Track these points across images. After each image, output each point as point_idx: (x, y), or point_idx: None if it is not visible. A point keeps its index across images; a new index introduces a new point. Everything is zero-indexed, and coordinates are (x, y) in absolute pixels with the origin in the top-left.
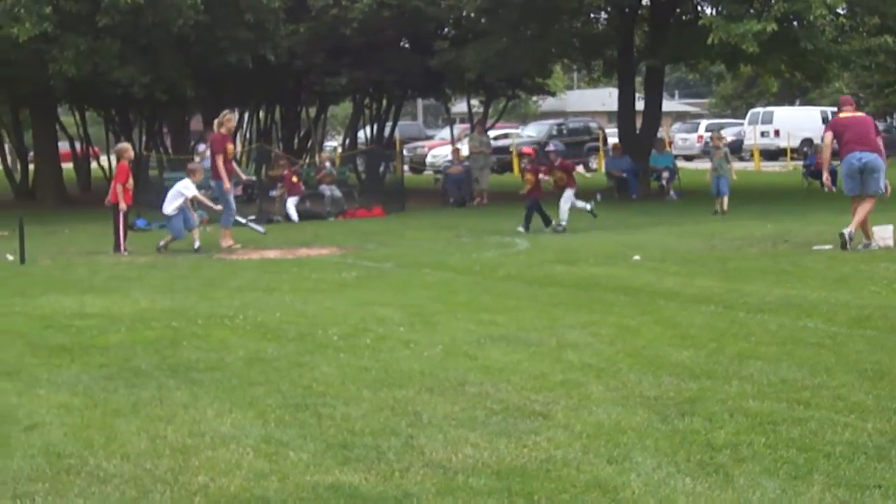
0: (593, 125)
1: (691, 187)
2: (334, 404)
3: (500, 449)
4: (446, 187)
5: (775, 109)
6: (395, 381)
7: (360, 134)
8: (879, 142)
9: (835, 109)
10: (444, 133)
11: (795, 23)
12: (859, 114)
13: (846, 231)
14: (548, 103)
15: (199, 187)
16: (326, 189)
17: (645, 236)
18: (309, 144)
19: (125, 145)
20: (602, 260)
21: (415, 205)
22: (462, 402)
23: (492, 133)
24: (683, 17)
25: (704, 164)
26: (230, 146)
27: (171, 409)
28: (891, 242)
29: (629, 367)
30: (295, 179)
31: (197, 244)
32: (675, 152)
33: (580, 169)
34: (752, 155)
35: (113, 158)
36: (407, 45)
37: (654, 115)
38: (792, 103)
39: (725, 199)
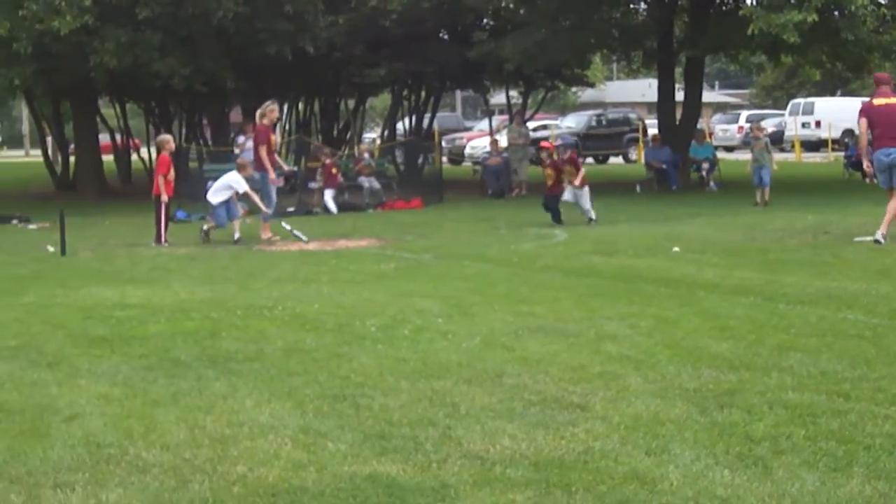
0: (633, 116)
1: (731, 178)
2: (372, 395)
3: (538, 440)
4: (485, 179)
5: (816, 100)
6: (433, 373)
7: (399, 125)
8: None
9: None
10: (483, 124)
11: (836, 13)
12: (893, 100)
13: (879, 237)
14: (587, 94)
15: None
16: (365, 181)
17: (684, 227)
18: (348, 136)
19: (166, 137)
20: (641, 251)
21: (453, 196)
22: (500, 394)
23: (530, 124)
24: (724, 7)
25: (744, 156)
26: (273, 137)
27: (210, 400)
28: None
29: (668, 359)
30: (334, 171)
31: (237, 235)
32: (715, 143)
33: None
34: (793, 146)
35: (154, 150)
36: (446, 37)
37: (694, 105)
38: (833, 94)
39: (767, 191)
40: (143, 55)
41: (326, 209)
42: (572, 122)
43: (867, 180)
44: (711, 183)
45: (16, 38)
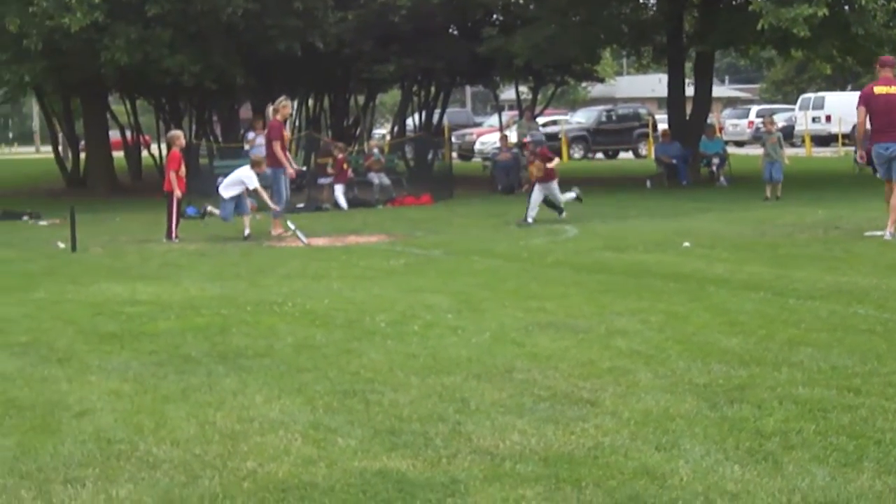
0: (643, 111)
1: (741, 173)
2: (382, 391)
3: (548, 435)
4: (495, 174)
5: (826, 95)
6: (443, 368)
7: (409, 121)
8: None
9: None
10: (493, 120)
11: (846, 7)
12: (893, 89)
13: (888, 236)
14: (597, 89)
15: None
16: (375, 177)
17: (695, 223)
18: (357, 132)
19: (176, 132)
20: (651, 247)
21: (463, 192)
22: (509, 389)
23: (540, 120)
24: (733, 2)
25: (755, 151)
26: (286, 133)
27: (220, 396)
28: None
29: (678, 354)
30: (345, 166)
31: (247, 231)
32: (725, 138)
33: (556, 161)
34: (803, 140)
35: (164, 147)
36: (455, 32)
37: (703, 100)
38: (843, 88)
39: (779, 186)
40: (153, 52)
41: (337, 205)
42: (582, 118)
43: (857, 165)
44: (721, 178)
45: (26, 35)
